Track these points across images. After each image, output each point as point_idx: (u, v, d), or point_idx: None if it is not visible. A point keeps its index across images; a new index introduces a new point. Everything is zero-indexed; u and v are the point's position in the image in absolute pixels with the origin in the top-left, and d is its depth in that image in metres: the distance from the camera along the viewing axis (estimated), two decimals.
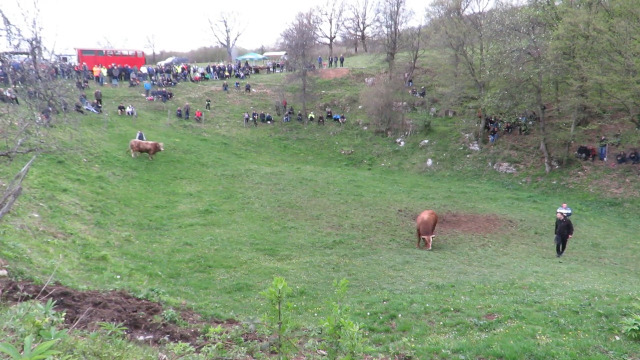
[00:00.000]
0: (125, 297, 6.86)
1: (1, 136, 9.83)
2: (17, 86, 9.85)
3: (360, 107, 39.11)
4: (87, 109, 29.71)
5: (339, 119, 38.39)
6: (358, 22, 66.00)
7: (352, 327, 2.59)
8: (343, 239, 15.87)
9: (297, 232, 16.49)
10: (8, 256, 8.10)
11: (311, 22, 53.88)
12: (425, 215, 15.83)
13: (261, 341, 3.36)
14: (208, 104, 38.07)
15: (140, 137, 25.91)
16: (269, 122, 38.14)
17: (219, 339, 3.11)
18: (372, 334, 6.73)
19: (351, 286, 10.41)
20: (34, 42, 8.23)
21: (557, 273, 11.77)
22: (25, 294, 5.39)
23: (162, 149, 24.83)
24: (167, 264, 12.33)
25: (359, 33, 66.25)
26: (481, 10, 40.70)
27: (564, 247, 14.97)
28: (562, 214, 15.00)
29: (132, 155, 24.01)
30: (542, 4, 28.92)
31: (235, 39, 73.86)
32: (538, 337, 5.88)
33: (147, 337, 5.21)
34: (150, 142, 24.77)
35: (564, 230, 14.61)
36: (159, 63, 54.34)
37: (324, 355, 3.24)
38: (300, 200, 20.81)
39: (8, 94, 22.00)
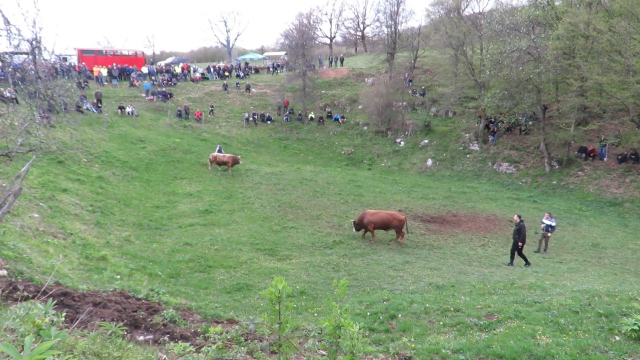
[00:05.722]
0: (125, 297, 6.86)
1: (1, 136, 9.83)
2: (17, 86, 9.85)
3: (360, 107, 39.10)
4: (87, 109, 29.72)
5: (339, 119, 38.37)
6: (358, 22, 65.98)
7: (352, 327, 2.59)
8: (343, 239, 15.87)
9: (297, 232, 16.49)
10: (8, 256, 8.10)
11: (311, 22, 53.66)
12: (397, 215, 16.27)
13: (261, 341, 3.35)
14: (212, 110, 37.09)
15: (219, 151, 27.29)
16: (269, 122, 38.11)
17: (219, 339, 3.10)
18: (372, 334, 6.73)
19: (351, 286, 10.41)
20: (34, 42, 8.24)
21: (557, 273, 11.79)
22: (25, 294, 5.40)
23: (240, 162, 25.79)
24: (167, 264, 12.34)
25: (359, 33, 66.19)
26: (481, 10, 40.78)
27: (512, 257, 13.40)
28: (518, 216, 13.71)
29: (209, 167, 25.26)
30: (542, 4, 28.92)
31: (235, 39, 73.80)
32: (538, 337, 5.87)
33: (147, 337, 5.22)
34: (227, 155, 26.11)
35: (514, 235, 13.39)
36: (159, 63, 54.30)
37: (324, 355, 3.24)
38: (300, 200, 20.81)
39: (8, 94, 21.99)
